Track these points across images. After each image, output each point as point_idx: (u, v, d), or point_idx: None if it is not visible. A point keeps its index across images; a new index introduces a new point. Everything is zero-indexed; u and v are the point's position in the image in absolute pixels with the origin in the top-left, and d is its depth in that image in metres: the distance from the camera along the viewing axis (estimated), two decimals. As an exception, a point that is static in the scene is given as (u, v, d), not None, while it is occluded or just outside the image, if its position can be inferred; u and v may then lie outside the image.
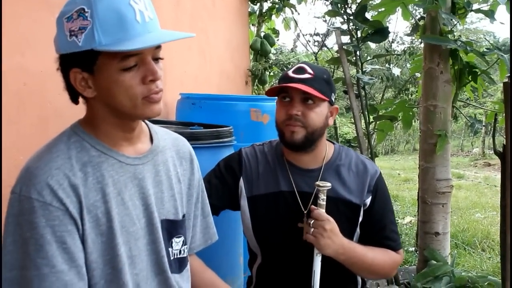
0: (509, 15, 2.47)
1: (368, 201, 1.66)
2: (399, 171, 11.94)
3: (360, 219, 1.67)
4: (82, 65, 1.08)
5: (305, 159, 1.67)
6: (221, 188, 1.69)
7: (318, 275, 1.56)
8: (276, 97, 1.67)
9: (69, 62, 1.08)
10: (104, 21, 1.03)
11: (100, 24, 1.03)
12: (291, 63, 5.67)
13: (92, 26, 1.03)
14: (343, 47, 2.84)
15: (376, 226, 1.69)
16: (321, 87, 1.58)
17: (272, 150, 1.75)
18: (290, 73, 1.61)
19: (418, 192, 2.80)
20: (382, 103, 3.56)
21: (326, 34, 6.67)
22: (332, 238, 1.53)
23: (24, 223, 1.04)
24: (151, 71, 1.11)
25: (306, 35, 8.41)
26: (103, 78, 1.09)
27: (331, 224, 1.53)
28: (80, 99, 1.16)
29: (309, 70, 1.59)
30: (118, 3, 1.05)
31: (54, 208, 1.06)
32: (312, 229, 1.53)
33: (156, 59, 1.13)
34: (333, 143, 1.76)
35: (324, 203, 1.55)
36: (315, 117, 1.58)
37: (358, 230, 1.69)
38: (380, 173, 1.75)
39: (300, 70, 1.60)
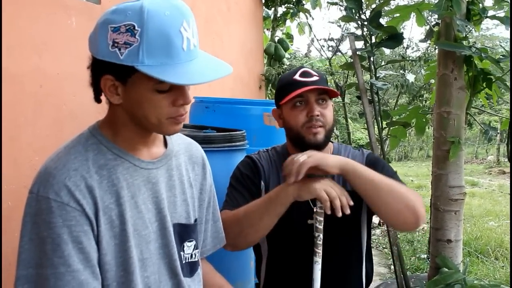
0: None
1: None
2: (412, 178, 11.88)
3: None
4: (117, 75, 1.09)
5: None
6: (251, 199, 1.64)
7: (318, 283, 1.54)
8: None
9: (104, 68, 1.09)
10: (152, 43, 1.04)
11: (148, 45, 1.03)
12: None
13: (138, 45, 1.03)
14: (357, 52, 2.84)
15: None
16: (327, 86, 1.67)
17: (278, 155, 1.77)
18: (298, 77, 1.64)
19: (430, 199, 2.79)
20: (396, 109, 3.55)
21: (340, 40, 6.66)
22: (320, 155, 1.50)
23: (41, 223, 1.06)
24: (183, 95, 1.13)
25: (320, 40, 8.40)
26: (135, 91, 1.10)
27: (306, 154, 1.50)
28: (104, 99, 1.18)
29: (314, 73, 1.66)
30: (169, 28, 1.05)
31: (71, 208, 1.07)
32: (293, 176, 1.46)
33: None
34: (332, 142, 1.79)
35: (322, 211, 1.52)
36: (330, 115, 1.66)
37: (365, 217, 1.71)
38: (375, 157, 1.80)
39: (307, 74, 1.65)
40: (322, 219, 1.53)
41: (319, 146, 1.64)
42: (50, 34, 1.86)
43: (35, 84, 1.77)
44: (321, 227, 1.53)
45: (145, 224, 1.19)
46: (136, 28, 1.03)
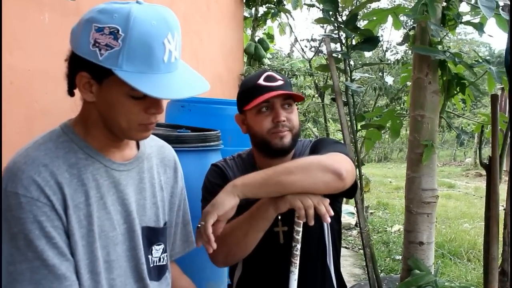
0: (499, 28, 2.48)
1: None
2: (391, 179, 11.99)
3: None
4: (93, 74, 1.08)
5: (278, 163, 1.56)
6: None
7: None
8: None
9: (82, 65, 1.08)
10: (133, 51, 1.03)
11: (128, 52, 1.03)
12: (285, 69, 5.68)
13: (119, 50, 1.03)
14: (333, 54, 2.85)
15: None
16: (292, 90, 1.64)
17: (244, 162, 1.74)
18: (262, 82, 1.60)
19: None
20: (373, 111, 3.58)
21: (322, 40, 6.69)
22: (211, 208, 1.35)
23: (11, 219, 1.05)
24: (156, 105, 1.13)
25: (303, 40, 8.43)
26: (109, 93, 1.10)
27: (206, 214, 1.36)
28: (77, 95, 1.17)
29: (279, 77, 1.63)
30: (153, 38, 1.04)
31: (41, 203, 1.07)
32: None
33: None
34: None
35: (300, 221, 1.46)
36: (296, 119, 1.63)
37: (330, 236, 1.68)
38: (320, 138, 1.75)
39: (271, 78, 1.62)
40: (299, 229, 1.46)
41: (286, 150, 1.62)
42: (22, 30, 1.83)
43: (5, 80, 1.74)
44: (298, 237, 1.47)
45: (113, 226, 1.19)
46: (120, 32, 1.03)
